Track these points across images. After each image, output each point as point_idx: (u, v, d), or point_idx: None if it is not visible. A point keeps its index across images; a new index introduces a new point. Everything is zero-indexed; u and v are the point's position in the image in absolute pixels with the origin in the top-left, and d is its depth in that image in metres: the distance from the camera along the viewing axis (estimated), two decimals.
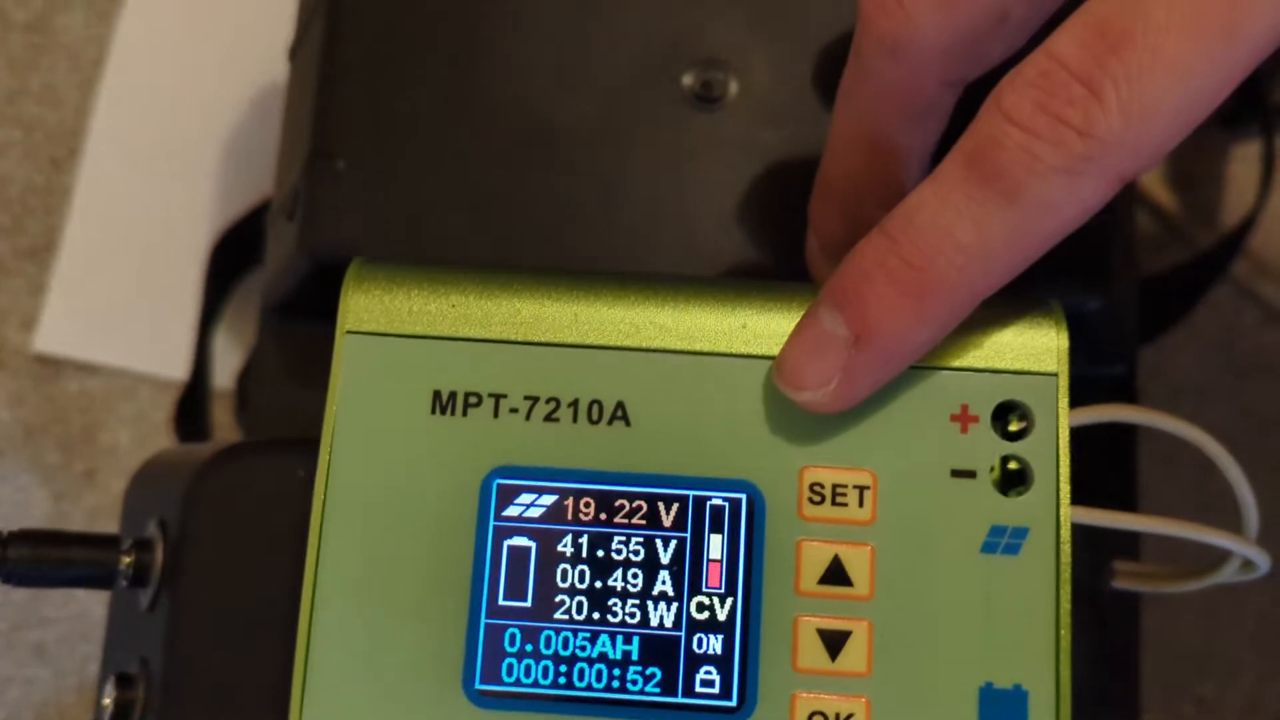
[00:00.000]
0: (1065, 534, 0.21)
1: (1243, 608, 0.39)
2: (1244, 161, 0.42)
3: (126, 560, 0.25)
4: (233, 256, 0.42)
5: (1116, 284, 0.26)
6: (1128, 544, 0.26)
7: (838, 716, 0.20)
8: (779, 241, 0.27)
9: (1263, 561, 0.22)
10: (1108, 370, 0.28)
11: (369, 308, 0.22)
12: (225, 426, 0.42)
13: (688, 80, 0.27)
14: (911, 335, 0.20)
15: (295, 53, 0.31)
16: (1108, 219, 0.26)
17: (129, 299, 0.43)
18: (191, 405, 0.41)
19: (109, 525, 0.42)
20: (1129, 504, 0.28)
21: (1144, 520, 0.22)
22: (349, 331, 0.22)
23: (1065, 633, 0.20)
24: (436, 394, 0.22)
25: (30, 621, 0.41)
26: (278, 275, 0.29)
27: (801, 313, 0.21)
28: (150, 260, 0.43)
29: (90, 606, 0.41)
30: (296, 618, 0.22)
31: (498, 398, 0.21)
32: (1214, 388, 0.41)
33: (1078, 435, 0.23)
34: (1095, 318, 0.26)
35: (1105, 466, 0.27)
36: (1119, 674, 0.25)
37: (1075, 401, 0.23)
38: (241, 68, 0.44)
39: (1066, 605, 0.20)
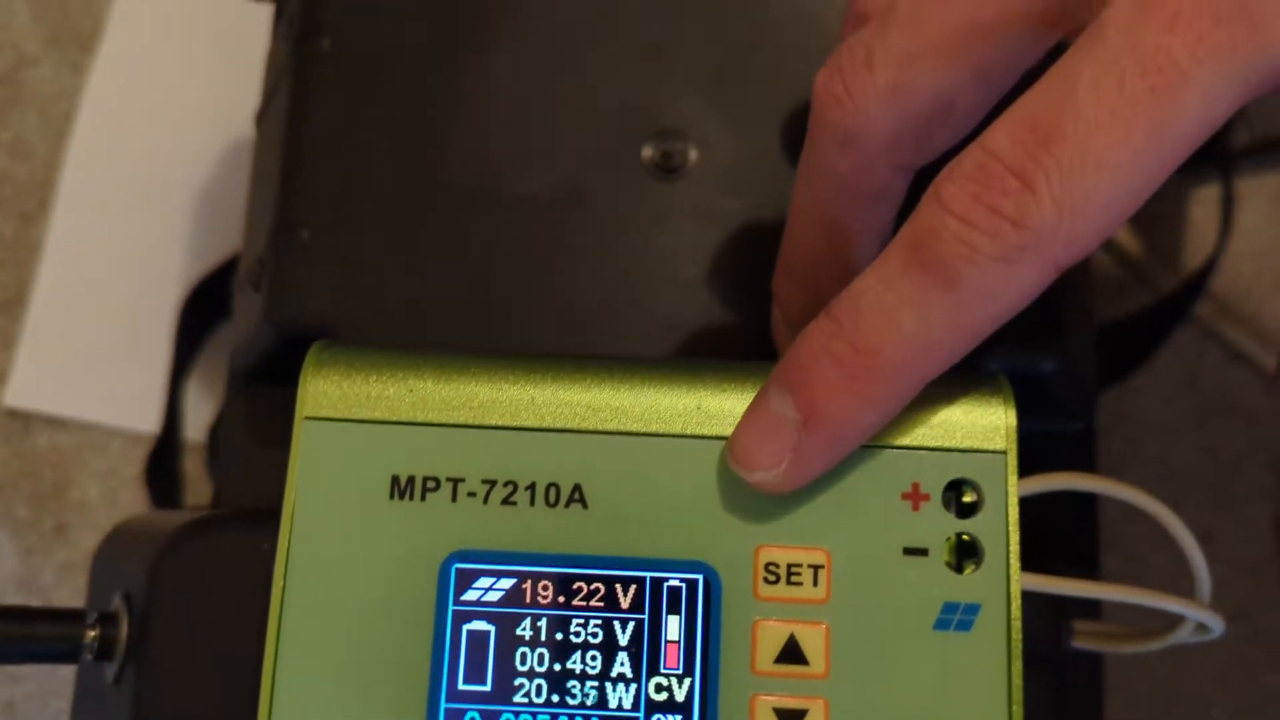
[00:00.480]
0: (1016, 609, 0.21)
1: (1210, 646, 0.40)
2: (1204, 205, 0.43)
3: (91, 634, 0.25)
4: (204, 310, 0.42)
5: (1071, 343, 0.27)
6: (1089, 604, 0.27)
7: None
8: (740, 309, 0.27)
9: (1216, 625, 0.23)
10: (1066, 426, 0.28)
11: (327, 393, 0.22)
12: (197, 479, 0.42)
13: (648, 151, 0.27)
14: (858, 418, 0.20)
15: (261, 119, 0.31)
16: (1064, 280, 0.27)
17: (99, 353, 0.43)
18: (163, 459, 0.41)
19: (79, 580, 0.42)
20: (1090, 561, 0.28)
21: (1096, 587, 0.22)
22: (307, 418, 0.22)
23: (1018, 707, 0.21)
24: (395, 479, 0.22)
25: None
26: (244, 343, 0.29)
27: (756, 390, 0.22)
28: (121, 314, 0.43)
29: (59, 665, 0.41)
30: (258, 687, 0.22)
31: (455, 482, 0.22)
32: (1178, 428, 0.41)
33: (1036, 496, 0.23)
34: (1050, 378, 0.27)
35: (1067, 524, 0.27)
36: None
37: (1033, 460, 0.24)
38: (212, 120, 0.44)
39: (1018, 680, 0.21)
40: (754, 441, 0.21)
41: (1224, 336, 0.42)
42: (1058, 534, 0.25)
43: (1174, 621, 0.23)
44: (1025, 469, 0.23)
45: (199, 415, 0.42)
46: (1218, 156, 0.41)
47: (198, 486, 0.42)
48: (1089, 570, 0.27)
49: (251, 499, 0.29)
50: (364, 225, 0.27)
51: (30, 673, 0.41)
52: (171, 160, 0.44)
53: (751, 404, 0.21)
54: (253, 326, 0.28)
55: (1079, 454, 0.29)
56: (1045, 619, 0.24)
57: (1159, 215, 0.43)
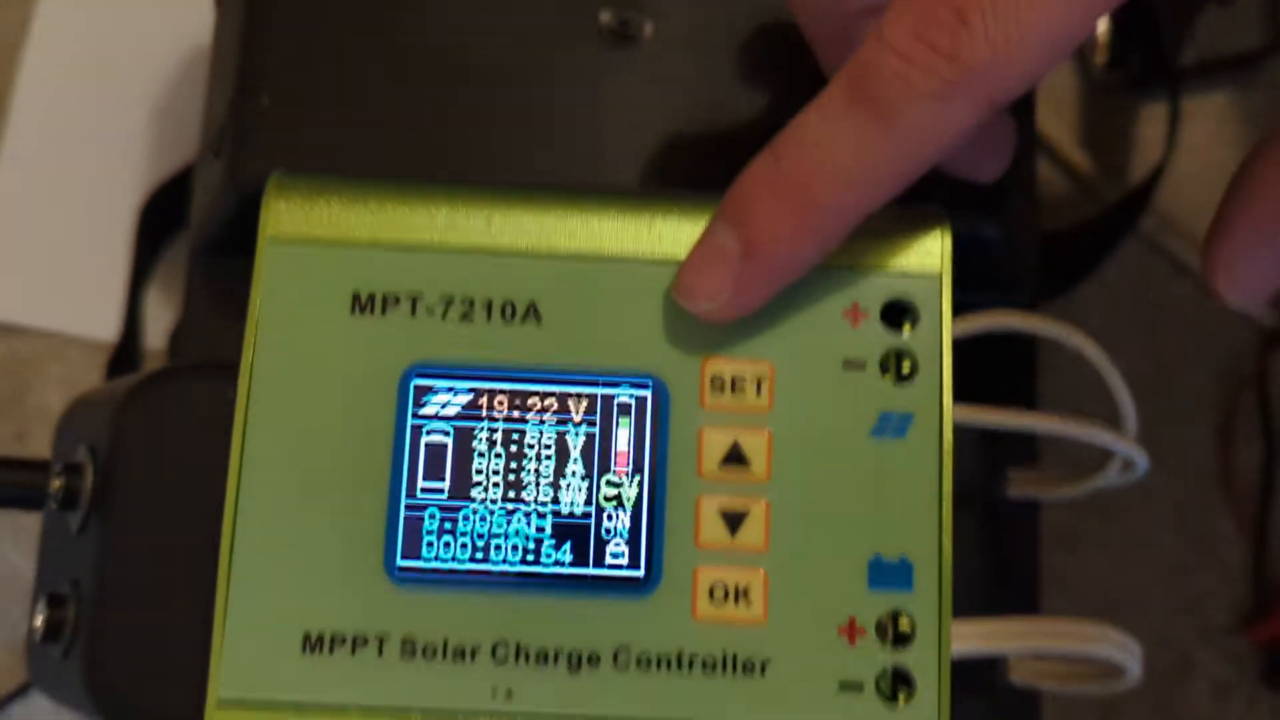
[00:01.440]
0: (948, 417, 0.22)
1: (1151, 549, 0.42)
2: (1152, 123, 0.45)
3: (56, 484, 0.26)
4: (162, 216, 0.42)
5: (1014, 214, 0.28)
6: (1025, 457, 0.28)
7: (737, 587, 0.22)
8: (695, 175, 0.28)
9: (1140, 460, 0.24)
10: (1008, 299, 0.30)
11: (290, 215, 0.23)
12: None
13: (604, 18, 0.28)
14: (796, 250, 0.21)
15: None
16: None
17: (57, 261, 0.43)
18: (123, 365, 0.42)
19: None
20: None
21: (1026, 417, 0.24)
22: (270, 238, 0.23)
23: (947, 506, 0.22)
24: (356, 296, 0.23)
25: None
26: (206, 213, 0.30)
27: (704, 216, 0.23)
28: (78, 222, 0.43)
29: (20, 568, 0.42)
30: (221, 533, 0.23)
31: (415, 298, 0.23)
32: (1124, 338, 0.43)
33: (979, 360, 0.24)
34: (993, 245, 0.28)
35: (1005, 377, 0.29)
36: (1018, 579, 0.27)
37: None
38: (168, 27, 0.44)
39: (949, 482, 0.22)
40: (697, 273, 0.22)
41: (1168, 250, 0.43)
42: (996, 385, 0.26)
43: (1102, 462, 0.25)
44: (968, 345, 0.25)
45: (159, 323, 0.43)
46: (1165, 74, 0.43)
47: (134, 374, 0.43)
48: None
49: None
50: (323, 93, 0.28)
51: None
52: (128, 69, 0.45)
53: (699, 238, 0.22)
54: (214, 194, 0.29)
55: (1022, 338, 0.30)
56: (980, 468, 0.25)
57: (1107, 133, 0.45)
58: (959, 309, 0.25)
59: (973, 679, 0.24)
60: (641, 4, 0.29)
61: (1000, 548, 0.25)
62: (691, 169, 0.28)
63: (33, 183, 0.44)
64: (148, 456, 0.26)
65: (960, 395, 0.25)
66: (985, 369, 0.26)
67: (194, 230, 0.31)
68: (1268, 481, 0.41)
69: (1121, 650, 0.23)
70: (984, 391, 0.26)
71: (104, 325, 0.43)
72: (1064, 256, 0.42)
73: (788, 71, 0.29)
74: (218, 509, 0.24)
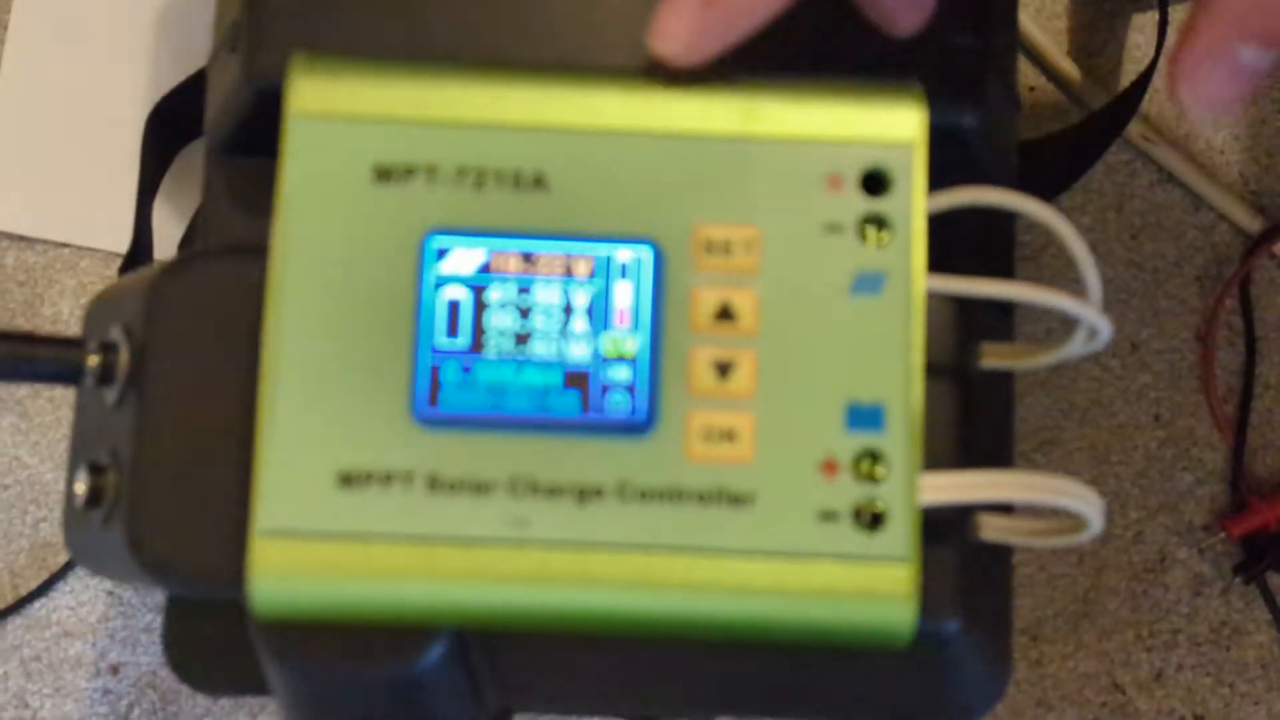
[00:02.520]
0: (919, 276, 0.25)
1: (1131, 449, 0.44)
2: (1142, 31, 0.46)
3: (93, 360, 0.29)
4: (170, 125, 0.44)
5: (992, 104, 0.31)
6: (1000, 332, 0.31)
7: (726, 429, 0.25)
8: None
9: (1104, 327, 0.27)
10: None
11: (313, 93, 0.26)
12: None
13: None
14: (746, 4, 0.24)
15: None
16: (987, 42, 0.30)
17: (66, 172, 0.44)
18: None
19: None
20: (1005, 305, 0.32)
21: (992, 285, 0.26)
22: (295, 115, 0.26)
23: (917, 356, 0.25)
24: (377, 167, 0.26)
25: None
26: (222, 110, 0.32)
27: (698, 93, 0.26)
28: (85, 133, 0.44)
29: (39, 472, 0.44)
30: (254, 403, 0.26)
31: (432, 170, 0.26)
32: (1110, 244, 0.45)
33: (957, 237, 0.27)
34: (971, 135, 0.30)
35: (983, 261, 0.31)
36: (990, 446, 0.30)
37: (955, 228, 0.27)
38: None
39: (919, 335, 0.25)
40: (665, 18, 0.25)
41: (1154, 157, 0.45)
42: (974, 263, 0.28)
43: (1069, 331, 0.28)
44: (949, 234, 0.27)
45: (168, 234, 0.45)
46: None
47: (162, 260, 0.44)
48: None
49: None
50: None
51: (9, 482, 0.44)
52: None
53: None
54: (230, 90, 0.31)
55: (1000, 218, 0.33)
56: (953, 339, 0.28)
57: (1097, 42, 0.46)
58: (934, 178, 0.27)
59: (942, 533, 0.27)
60: None
61: (973, 413, 0.28)
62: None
63: (36, 96, 0.45)
64: (181, 332, 0.28)
65: (938, 269, 0.27)
66: (964, 247, 0.28)
67: (210, 128, 0.33)
68: (1247, 384, 0.43)
69: (1084, 502, 0.25)
70: (963, 268, 0.28)
71: (114, 236, 0.45)
72: (1050, 162, 0.43)
73: None
74: (248, 382, 0.27)
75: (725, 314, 0.26)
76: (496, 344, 0.25)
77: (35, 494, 0.44)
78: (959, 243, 0.28)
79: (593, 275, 0.26)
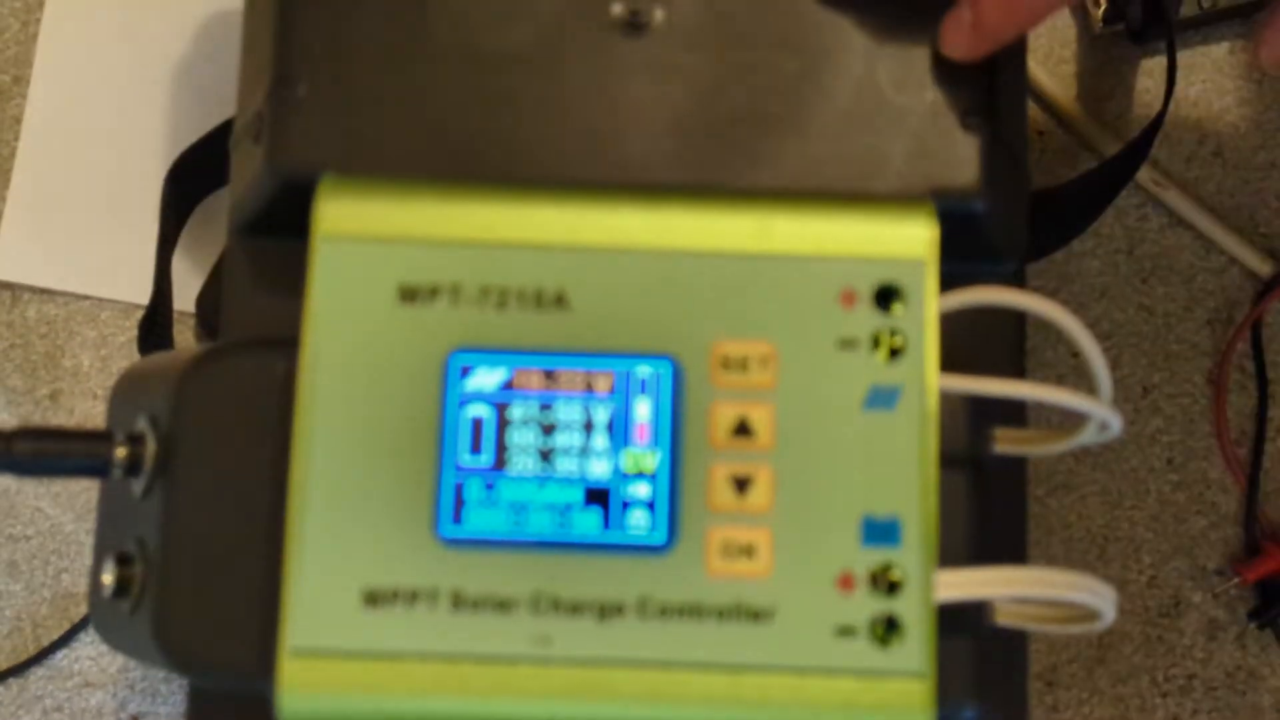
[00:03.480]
0: (932, 390, 0.26)
1: (1144, 493, 0.44)
2: (1151, 75, 0.46)
3: (121, 452, 0.29)
4: (191, 179, 0.44)
5: (1002, 189, 0.31)
6: (1014, 417, 0.31)
7: (745, 545, 0.26)
8: (703, 160, 0.31)
9: (1114, 421, 0.27)
10: (998, 269, 0.33)
11: (340, 215, 0.26)
12: (190, 347, 0.45)
13: (617, 10, 0.31)
14: (1000, 31, 0.30)
15: None
16: (994, 129, 0.31)
17: (86, 224, 0.45)
18: (155, 326, 0.44)
19: None
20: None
21: (1006, 385, 0.27)
22: (323, 237, 0.26)
23: (931, 470, 0.26)
24: (402, 288, 0.26)
25: (0, 540, 0.45)
26: (245, 195, 0.33)
27: (714, 211, 0.26)
28: (106, 185, 0.45)
29: (61, 523, 0.45)
30: (280, 496, 0.27)
31: (456, 290, 0.26)
32: (1120, 289, 0.45)
33: (970, 327, 0.28)
34: (982, 220, 0.31)
35: (995, 355, 0.32)
36: (1004, 531, 0.30)
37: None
38: None
39: (933, 449, 0.26)
40: (947, 31, 0.31)
41: (1165, 202, 0.45)
42: (987, 360, 0.29)
43: (1082, 422, 0.28)
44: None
45: (187, 285, 0.45)
46: (1164, 26, 0.44)
47: (186, 348, 0.45)
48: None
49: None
50: (356, 78, 0.31)
51: (31, 533, 0.45)
52: (150, 30, 0.45)
53: (953, 7, 0.30)
54: (253, 178, 0.32)
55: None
56: (967, 428, 0.29)
57: (1105, 86, 0.46)
58: (951, 278, 0.28)
59: (960, 621, 0.27)
60: None
61: (987, 501, 0.29)
62: (703, 154, 0.31)
63: (57, 148, 0.45)
64: (207, 425, 0.29)
65: (951, 360, 0.28)
66: (977, 333, 0.29)
67: (232, 210, 0.34)
68: (1259, 427, 0.44)
69: (1096, 596, 0.26)
70: (975, 354, 0.29)
71: (134, 288, 0.45)
72: (1062, 211, 0.44)
73: (792, 57, 0.31)
74: (274, 474, 0.27)
75: (743, 429, 0.26)
76: (519, 461, 0.26)
77: (57, 544, 0.45)
78: (972, 324, 0.29)
79: (613, 392, 0.26)
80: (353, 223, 0.27)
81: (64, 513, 0.45)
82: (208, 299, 0.43)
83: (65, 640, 0.44)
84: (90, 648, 0.44)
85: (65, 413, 0.45)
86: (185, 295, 0.45)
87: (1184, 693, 0.43)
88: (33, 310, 0.46)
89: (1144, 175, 0.45)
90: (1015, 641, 0.30)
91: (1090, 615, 0.27)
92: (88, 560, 0.43)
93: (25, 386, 0.46)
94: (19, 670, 0.43)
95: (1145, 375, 0.45)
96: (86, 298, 0.45)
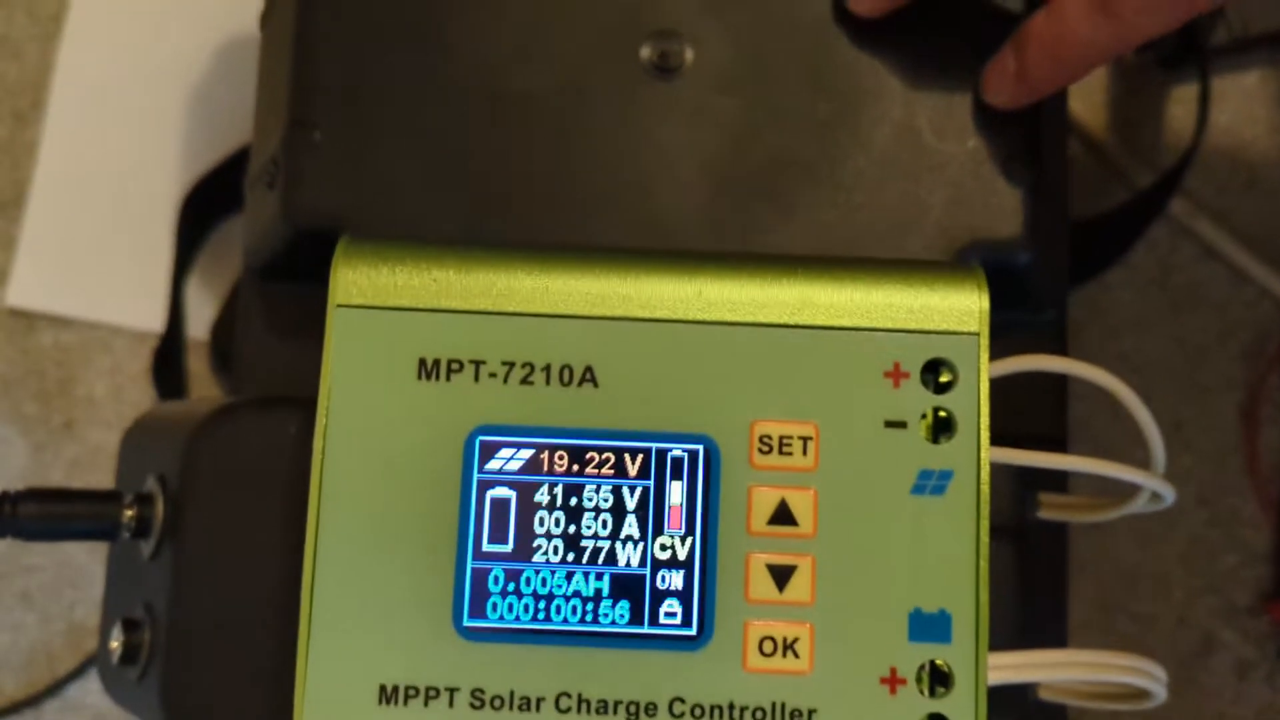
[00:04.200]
0: (985, 475, 0.24)
1: (1174, 530, 0.43)
2: (1182, 103, 0.45)
3: (129, 514, 0.28)
4: (204, 208, 0.43)
5: (1044, 239, 0.29)
6: (1057, 480, 0.29)
7: (785, 640, 0.24)
8: (734, 203, 0.29)
9: (1167, 493, 0.25)
10: (1039, 317, 0.31)
11: (357, 283, 0.24)
12: (200, 377, 0.44)
13: (645, 52, 0.29)
14: (1045, 85, 0.29)
15: (266, 20, 0.33)
16: (1036, 178, 0.29)
17: (100, 252, 0.44)
18: (168, 356, 0.43)
19: (89, 475, 0.44)
20: (1060, 443, 0.31)
21: (1058, 459, 0.25)
22: (339, 305, 0.24)
23: (984, 563, 0.23)
24: (422, 361, 0.24)
25: (14, 570, 0.43)
26: (259, 240, 0.31)
27: (751, 280, 0.24)
28: (120, 212, 0.44)
29: (74, 554, 0.44)
30: (290, 562, 0.25)
31: (478, 364, 0.24)
32: (1151, 321, 0.44)
33: (1012, 381, 0.26)
34: (1025, 270, 0.29)
35: (1037, 410, 0.30)
36: (1047, 597, 0.28)
37: (1007, 346, 0.26)
38: (206, 17, 0.45)
39: (985, 538, 0.24)
40: (990, 79, 0.29)
41: (1197, 233, 0.44)
42: (1029, 419, 0.27)
43: (1131, 492, 0.26)
44: (1000, 357, 0.26)
45: (201, 314, 0.44)
46: (1196, 54, 0.43)
47: (202, 384, 0.44)
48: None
49: (272, 388, 0.31)
50: (373, 124, 0.29)
51: (45, 564, 0.44)
52: (165, 58, 0.45)
53: (997, 55, 0.29)
54: (268, 224, 0.30)
55: (1052, 344, 0.31)
56: (1012, 493, 0.27)
57: (1137, 114, 0.45)
58: (992, 327, 0.26)
59: (1004, 699, 0.25)
60: (681, 35, 0.29)
61: (1031, 572, 0.27)
62: (735, 202, 0.29)
63: (73, 174, 0.45)
64: (217, 487, 0.27)
65: (992, 425, 0.26)
66: (1018, 390, 0.27)
67: (247, 254, 0.32)
68: None
69: (1149, 679, 0.24)
70: (1016, 415, 0.27)
71: (148, 316, 0.44)
72: (1095, 243, 0.42)
73: (828, 100, 0.29)
74: (285, 539, 0.25)
75: (783, 515, 0.24)
76: (543, 549, 0.24)
77: (71, 576, 0.44)
78: (1012, 386, 0.27)
79: (644, 474, 0.24)
80: (369, 290, 0.24)
81: (79, 546, 0.44)
82: (222, 329, 0.42)
83: (79, 673, 0.43)
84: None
85: (79, 442, 0.44)
86: (200, 322, 0.44)
87: None
88: (48, 338, 0.45)
89: (1176, 205, 0.43)
90: (1056, 715, 0.28)
91: (1137, 694, 0.25)
92: (100, 592, 0.42)
93: (40, 415, 0.45)
94: (33, 702, 0.42)
95: (1177, 409, 0.43)
96: (101, 325, 0.45)
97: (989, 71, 0.29)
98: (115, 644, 0.28)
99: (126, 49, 0.45)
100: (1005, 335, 0.27)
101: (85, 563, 0.43)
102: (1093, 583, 0.42)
